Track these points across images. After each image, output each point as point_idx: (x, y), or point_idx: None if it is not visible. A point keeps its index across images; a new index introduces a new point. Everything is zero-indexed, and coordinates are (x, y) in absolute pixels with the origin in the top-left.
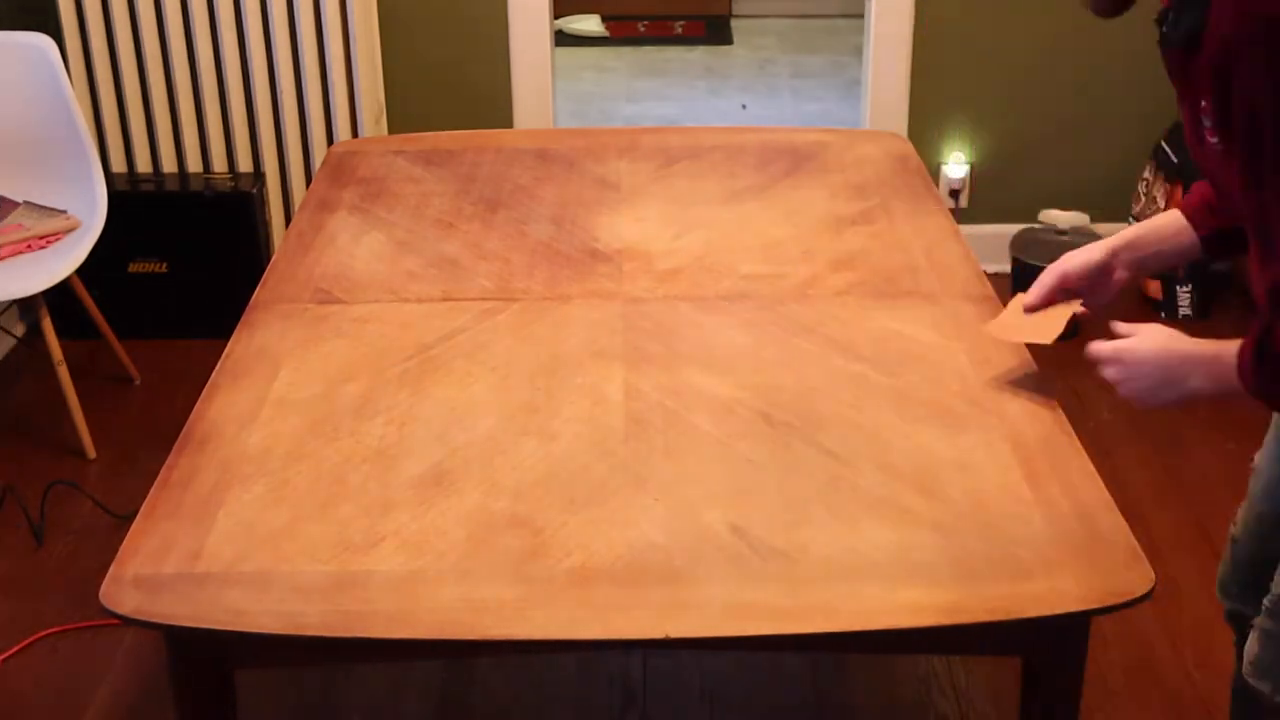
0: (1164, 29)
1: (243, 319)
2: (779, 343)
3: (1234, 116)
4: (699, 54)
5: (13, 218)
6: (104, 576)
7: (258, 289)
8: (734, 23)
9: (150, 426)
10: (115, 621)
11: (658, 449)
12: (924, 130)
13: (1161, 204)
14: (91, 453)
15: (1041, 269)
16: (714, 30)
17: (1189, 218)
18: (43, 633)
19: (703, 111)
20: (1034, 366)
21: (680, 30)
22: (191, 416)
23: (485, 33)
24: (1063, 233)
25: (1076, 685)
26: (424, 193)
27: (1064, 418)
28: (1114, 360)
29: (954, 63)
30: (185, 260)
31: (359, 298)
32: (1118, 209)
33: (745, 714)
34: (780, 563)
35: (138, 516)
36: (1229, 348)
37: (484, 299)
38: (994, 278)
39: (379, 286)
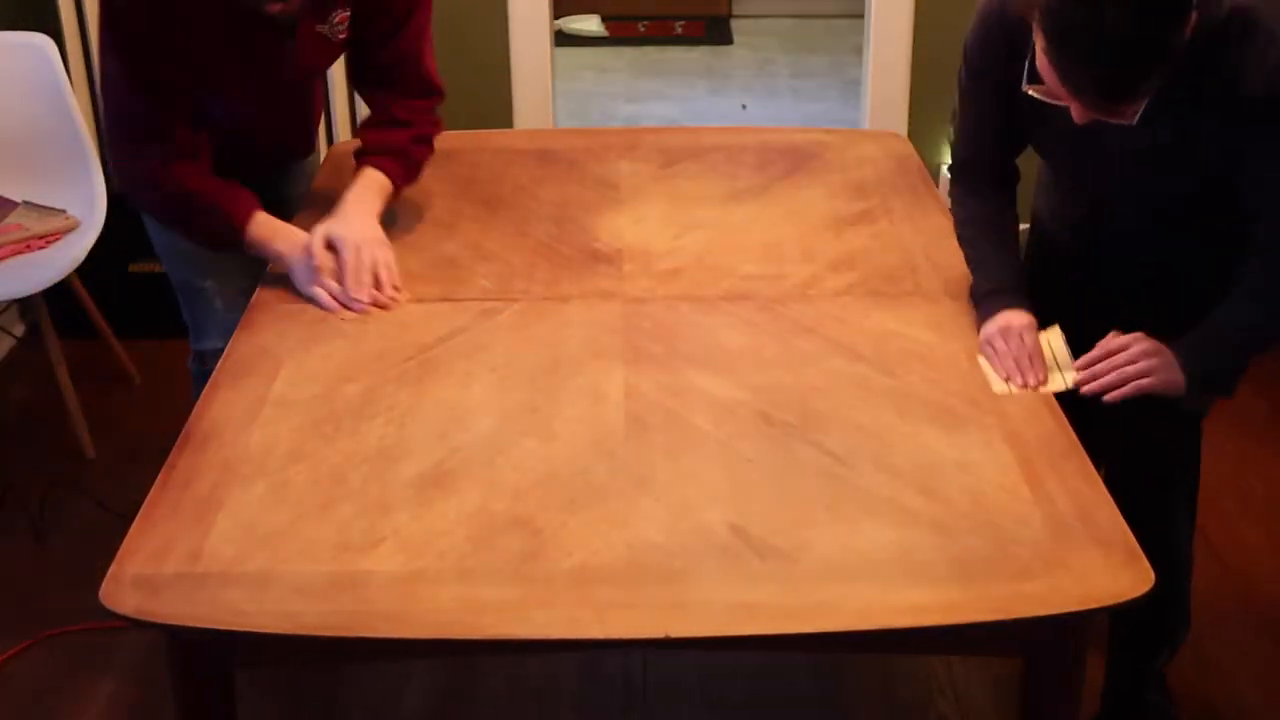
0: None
1: (243, 319)
2: (779, 343)
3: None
4: (699, 54)
5: (12, 218)
6: (104, 576)
7: (258, 289)
8: (734, 23)
9: (150, 426)
10: (115, 622)
11: (658, 449)
12: (924, 130)
13: None
14: (91, 453)
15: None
16: (714, 30)
17: None
18: (43, 633)
19: (703, 111)
20: None
21: (680, 30)
22: (191, 416)
23: (485, 33)
24: None
25: (1076, 685)
26: (424, 193)
27: (1064, 418)
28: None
29: (954, 63)
30: None
31: None
32: None
33: (745, 714)
34: (780, 563)
35: (138, 516)
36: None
37: (484, 299)
38: None
39: None
